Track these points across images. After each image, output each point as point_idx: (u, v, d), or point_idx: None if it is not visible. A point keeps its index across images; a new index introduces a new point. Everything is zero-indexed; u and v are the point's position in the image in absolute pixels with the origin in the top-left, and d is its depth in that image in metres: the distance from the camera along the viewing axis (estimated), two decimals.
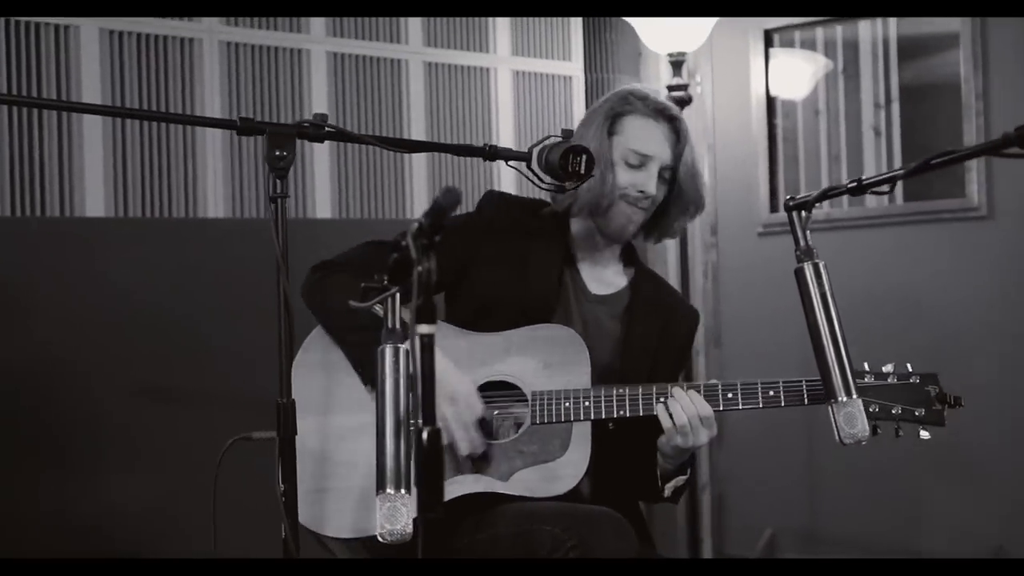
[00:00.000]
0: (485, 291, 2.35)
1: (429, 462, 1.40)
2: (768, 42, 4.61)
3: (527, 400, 2.22)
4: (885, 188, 1.71)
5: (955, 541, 4.12)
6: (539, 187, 2.19)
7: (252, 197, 3.65)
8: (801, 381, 2.15)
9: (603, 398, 2.19)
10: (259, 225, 3.62)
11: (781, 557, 4.49)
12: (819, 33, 4.59)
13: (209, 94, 3.56)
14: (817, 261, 1.83)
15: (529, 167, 2.15)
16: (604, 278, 2.45)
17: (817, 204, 1.86)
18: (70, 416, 3.19)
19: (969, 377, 3.99)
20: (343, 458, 2.21)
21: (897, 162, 4.44)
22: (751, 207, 4.60)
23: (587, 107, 4.45)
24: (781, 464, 4.45)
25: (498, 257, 2.36)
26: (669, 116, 2.41)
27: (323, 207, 3.78)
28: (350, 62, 3.85)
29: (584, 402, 2.19)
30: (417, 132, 3.93)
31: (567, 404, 2.19)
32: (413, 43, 3.97)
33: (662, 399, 2.18)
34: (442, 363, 2.18)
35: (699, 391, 2.18)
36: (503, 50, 4.20)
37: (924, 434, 2.07)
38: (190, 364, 3.37)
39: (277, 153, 1.92)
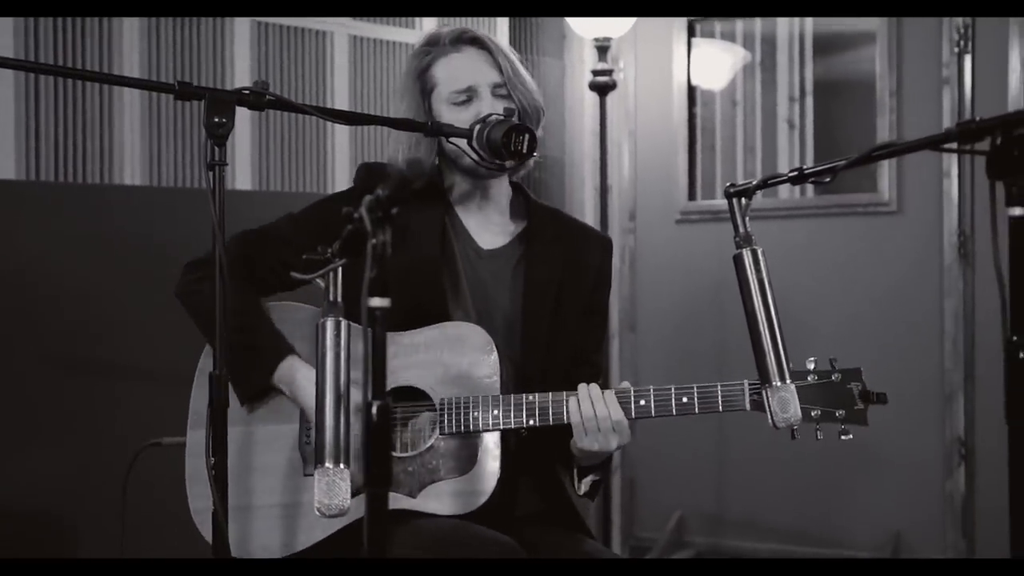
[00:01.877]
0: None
1: (377, 436, 1.39)
2: (691, 32, 4.66)
3: (435, 408, 2.11)
4: (826, 178, 1.73)
5: (856, 528, 4.24)
6: (480, 165, 2.16)
7: (169, 165, 3.57)
8: (716, 386, 2.04)
9: (512, 406, 2.07)
10: (176, 194, 3.56)
11: (688, 540, 4.56)
12: (739, 25, 4.66)
13: (128, 60, 3.47)
14: (756, 247, 1.85)
15: (470, 144, 2.13)
16: (494, 229, 2.31)
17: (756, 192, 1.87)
18: None
19: (872, 367, 4.09)
20: (257, 472, 2.14)
21: (810, 155, 4.53)
22: (670, 194, 4.65)
23: None
24: (691, 448, 4.52)
25: None
26: (470, 38, 2.27)
27: (243, 179, 3.71)
28: (274, 32, 3.79)
29: (493, 411, 2.07)
30: (341, 105, 3.89)
31: (475, 414, 2.07)
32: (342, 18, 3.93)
33: (572, 404, 2.06)
34: (299, 374, 2.11)
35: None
36: (429, 26, 4.16)
37: (846, 436, 2.00)
38: (103, 335, 3.29)
39: (216, 120, 1.88)
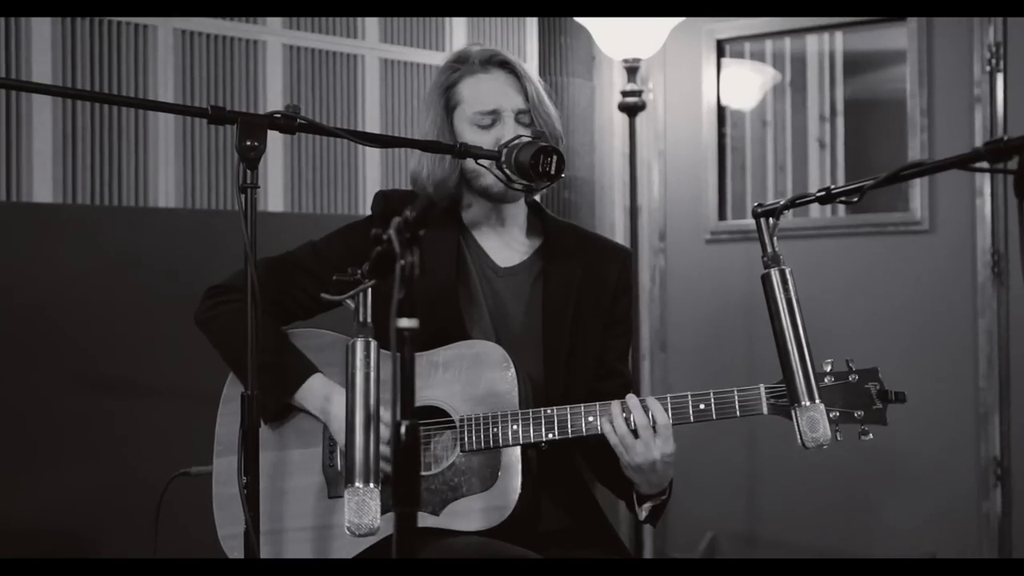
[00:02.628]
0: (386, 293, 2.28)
1: (406, 456, 1.40)
2: (720, 52, 4.66)
3: (456, 426, 2.13)
4: (854, 198, 1.73)
5: (890, 548, 4.20)
6: (509, 187, 2.17)
7: (203, 187, 3.62)
8: (733, 391, 2.05)
9: (531, 420, 2.08)
10: (210, 216, 3.60)
11: (721, 559, 4.54)
12: (768, 45, 4.66)
13: (163, 82, 3.53)
14: (784, 267, 1.85)
15: (499, 166, 2.14)
16: (513, 247, 2.33)
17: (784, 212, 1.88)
18: (11, 406, 3.13)
19: (906, 387, 4.07)
20: (285, 497, 2.17)
21: (840, 174, 4.52)
22: (700, 214, 4.65)
23: None
24: (722, 467, 4.50)
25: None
26: (500, 62, 2.28)
27: (275, 201, 3.75)
28: (306, 56, 3.83)
29: (512, 426, 2.08)
30: (372, 127, 3.93)
31: (495, 430, 2.08)
32: (370, 39, 3.96)
33: (591, 417, 2.08)
34: (340, 397, 2.10)
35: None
36: (458, 44, 4.19)
37: (865, 436, 2.00)
38: (136, 355, 3.33)
39: (248, 143, 1.91)
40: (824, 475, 4.30)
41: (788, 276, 1.84)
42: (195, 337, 2.27)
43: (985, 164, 1.54)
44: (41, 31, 3.30)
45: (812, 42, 4.57)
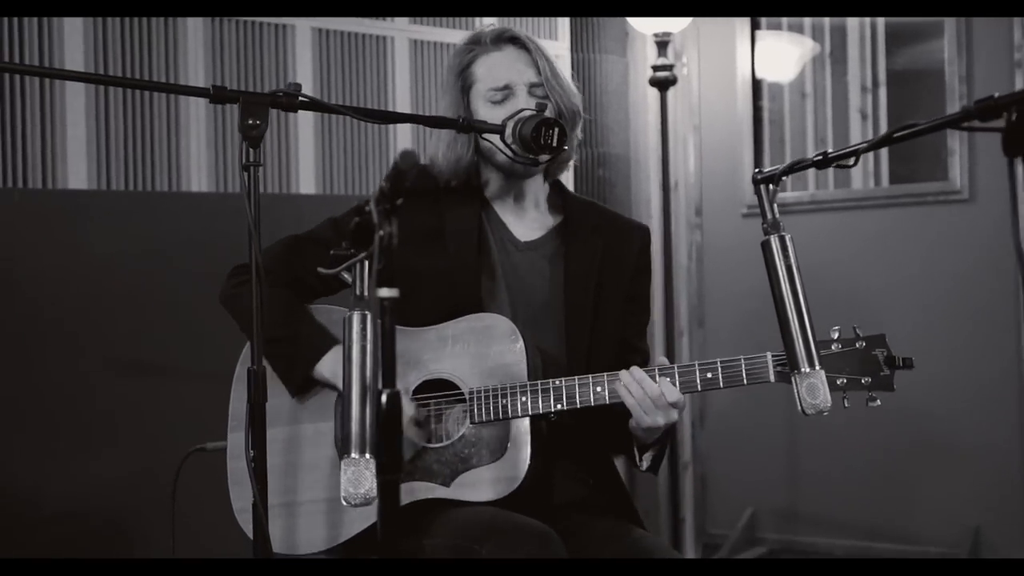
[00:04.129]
0: (407, 272, 2.25)
1: (388, 424, 1.42)
2: (755, 25, 4.61)
3: (465, 398, 2.15)
4: (850, 161, 1.72)
5: (933, 523, 4.15)
6: (513, 160, 2.18)
7: (235, 171, 3.66)
8: (740, 359, 2.06)
9: (539, 391, 2.10)
10: (242, 199, 3.62)
11: (760, 536, 4.52)
12: (807, 17, 4.60)
13: (193, 70, 3.57)
14: (784, 234, 1.83)
15: (503, 140, 2.15)
16: (533, 222, 2.34)
17: (785, 179, 1.86)
18: (51, 389, 3.19)
19: (947, 358, 4.03)
20: (303, 469, 2.19)
21: (884, 148, 4.45)
22: (736, 188, 4.61)
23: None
24: (763, 444, 4.47)
25: (413, 234, 2.20)
26: (510, 38, 2.29)
27: (307, 183, 3.78)
28: (335, 38, 3.85)
29: (521, 397, 2.09)
30: (402, 109, 3.93)
31: (504, 401, 2.10)
32: (399, 20, 3.97)
33: (599, 387, 2.09)
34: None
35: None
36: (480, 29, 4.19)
37: (873, 403, 1.98)
38: (171, 338, 3.38)
39: (250, 122, 1.93)
40: (865, 450, 4.25)
41: (788, 243, 1.82)
42: (229, 318, 2.30)
43: (976, 123, 1.51)
44: (73, 23, 3.36)
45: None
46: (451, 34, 4.08)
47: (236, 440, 2.22)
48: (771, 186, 1.83)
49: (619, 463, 2.41)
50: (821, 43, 4.57)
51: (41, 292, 3.21)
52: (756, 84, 4.64)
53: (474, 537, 2.00)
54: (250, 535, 2.13)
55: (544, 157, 2.15)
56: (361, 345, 1.75)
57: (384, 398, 1.41)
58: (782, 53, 4.68)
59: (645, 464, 2.24)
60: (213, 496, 2.29)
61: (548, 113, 2.18)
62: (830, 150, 1.76)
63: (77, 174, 3.38)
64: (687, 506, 4.64)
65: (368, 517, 2.14)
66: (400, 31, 3.97)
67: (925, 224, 4.23)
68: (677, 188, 4.66)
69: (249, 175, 1.94)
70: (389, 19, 3.95)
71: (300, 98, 1.97)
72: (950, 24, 4.13)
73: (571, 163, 2.39)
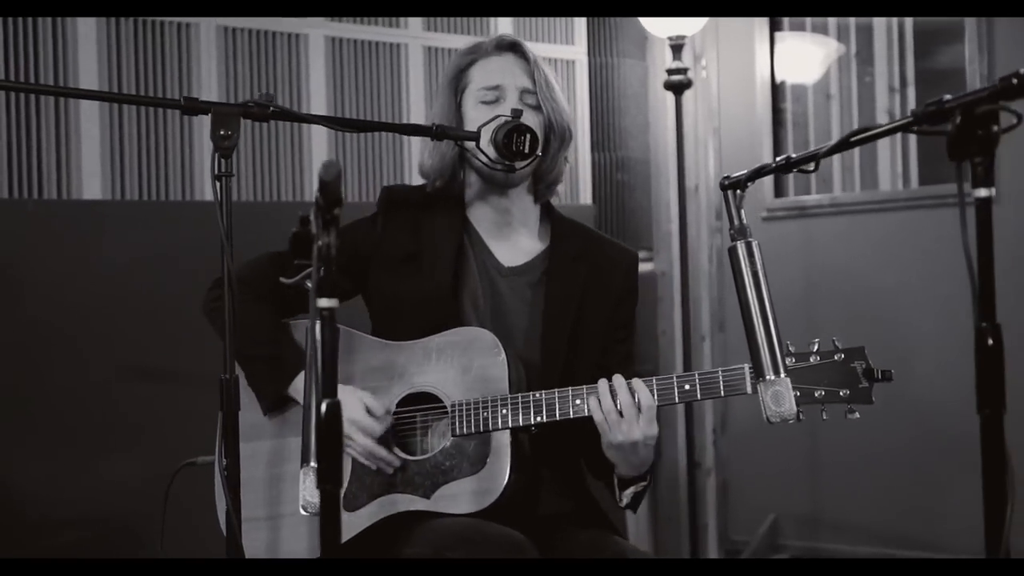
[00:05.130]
0: (386, 291, 2.28)
1: (327, 435, 1.42)
2: (774, 26, 4.57)
3: (448, 411, 2.16)
4: (810, 166, 1.70)
5: (958, 530, 4.08)
6: (488, 167, 2.17)
7: (247, 181, 3.69)
8: (718, 372, 2.05)
9: (520, 404, 2.09)
10: (253, 209, 3.67)
11: (782, 543, 4.47)
12: (831, 17, 4.55)
13: (206, 75, 3.61)
14: (750, 240, 1.82)
15: (478, 147, 2.15)
16: (519, 247, 2.32)
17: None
18: (64, 396, 3.24)
19: (969, 366, 3.94)
20: (286, 482, 2.20)
21: (913, 148, 4.39)
22: (755, 191, 4.55)
23: (591, 91, 4.45)
24: (785, 449, 4.42)
25: (394, 253, 2.28)
26: (509, 44, 2.29)
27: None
28: (348, 47, 3.87)
29: (501, 410, 2.09)
30: (417, 117, 3.95)
31: (485, 414, 2.10)
32: (413, 27, 3.98)
33: (579, 400, 2.08)
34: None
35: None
36: (504, 30, 4.20)
37: (852, 415, 1.97)
38: (183, 346, 3.41)
39: (222, 132, 1.95)
40: (889, 457, 4.19)
41: (755, 248, 1.81)
42: None
43: (925, 127, 1.49)
44: (87, 31, 3.41)
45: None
46: (464, 40, 4.07)
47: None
48: (738, 192, 1.81)
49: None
50: (847, 43, 4.52)
51: (54, 300, 3.26)
52: (776, 86, 4.59)
53: (446, 545, 2.00)
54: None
55: (519, 164, 2.15)
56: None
57: (324, 408, 1.42)
58: (805, 54, 4.63)
59: (625, 500, 2.22)
60: (206, 508, 2.31)
61: (528, 122, 2.18)
62: (792, 155, 1.74)
63: (91, 185, 3.43)
64: (709, 512, 4.61)
65: (348, 530, 2.16)
66: (414, 38, 3.98)
67: (950, 227, 4.15)
68: (697, 191, 4.63)
69: (221, 185, 1.96)
70: (403, 26, 3.96)
71: (271, 108, 1.99)
72: (971, 24, 4.07)
73: (559, 186, 2.36)
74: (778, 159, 1.75)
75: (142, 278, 3.38)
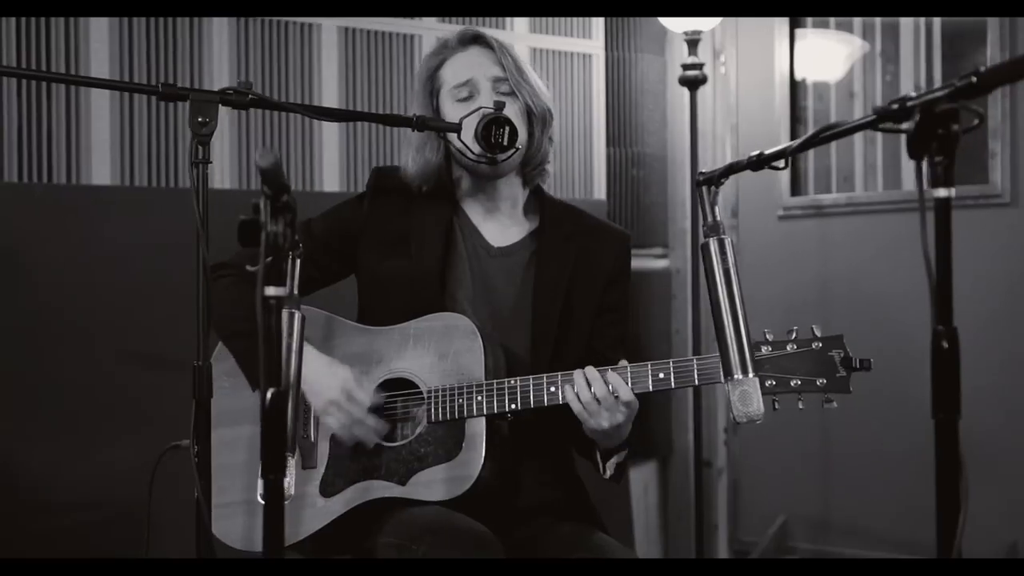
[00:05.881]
0: (374, 272, 2.29)
1: (271, 423, 1.42)
2: (795, 23, 4.52)
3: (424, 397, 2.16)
4: (780, 163, 1.67)
5: (970, 535, 4.01)
6: (469, 159, 2.16)
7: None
8: (692, 360, 2.03)
9: (495, 391, 2.09)
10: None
11: (792, 545, 4.42)
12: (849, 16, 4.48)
13: (218, 67, 3.62)
14: (723, 236, 1.79)
15: (460, 139, 2.14)
16: (508, 228, 2.32)
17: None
18: (70, 380, 3.26)
19: (982, 368, 3.90)
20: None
21: None
22: (772, 190, 4.52)
23: (607, 86, 4.42)
24: (796, 450, 4.38)
25: (381, 235, 2.28)
26: (472, 37, 2.29)
27: (331, 181, 3.80)
28: (362, 37, 3.87)
29: (476, 396, 2.09)
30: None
31: (460, 401, 2.10)
32: (427, 19, 3.97)
33: (552, 387, 2.07)
34: (315, 364, 2.13)
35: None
36: (520, 27, 4.18)
37: (829, 404, 1.95)
38: (190, 332, 3.41)
39: (200, 119, 1.95)
40: (901, 461, 4.14)
41: (727, 245, 1.77)
42: None
43: (891, 125, 1.46)
44: (99, 21, 3.43)
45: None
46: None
47: (216, 436, 2.25)
48: (712, 188, 1.79)
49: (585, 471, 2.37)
50: (872, 42, 4.45)
51: (61, 284, 3.29)
52: (797, 83, 4.54)
53: (412, 536, 2.00)
54: (216, 532, 2.16)
55: (501, 156, 2.14)
56: (288, 343, 1.76)
57: (268, 397, 1.41)
58: (828, 52, 4.57)
59: (609, 472, 2.21)
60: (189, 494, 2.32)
61: (507, 109, 2.17)
62: (765, 151, 1.71)
63: (101, 170, 3.46)
64: (720, 512, 4.57)
65: (324, 516, 2.16)
66: (428, 29, 3.97)
67: (963, 229, 4.07)
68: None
69: (198, 172, 1.96)
70: (416, 18, 3.95)
71: (250, 96, 1.99)
72: (993, 25, 4.00)
73: (548, 167, 2.35)
74: (750, 155, 1.72)
75: (149, 264, 3.39)
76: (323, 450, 2.19)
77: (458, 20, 4.02)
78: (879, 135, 4.43)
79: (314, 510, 2.16)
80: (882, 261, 4.23)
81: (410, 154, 2.28)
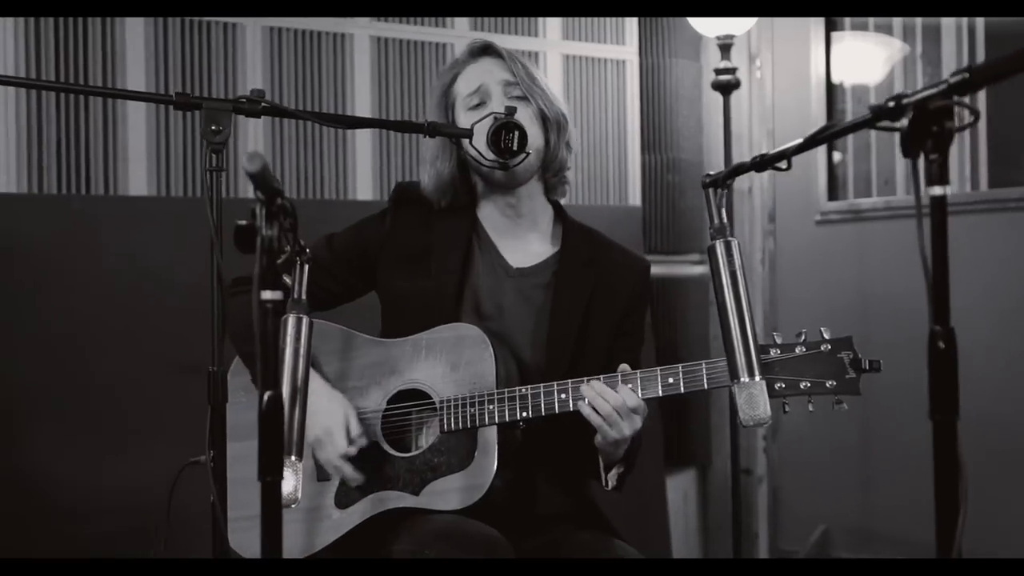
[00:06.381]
0: (393, 288, 2.30)
1: (267, 426, 1.43)
2: (830, 26, 4.48)
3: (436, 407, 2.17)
4: (782, 164, 1.66)
5: (1015, 542, 3.94)
6: (482, 164, 2.17)
7: (292, 177, 3.74)
8: (701, 364, 2.03)
9: (507, 400, 2.10)
10: (301, 206, 3.70)
11: (833, 555, 4.37)
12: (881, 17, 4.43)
13: (252, 75, 3.66)
14: (729, 239, 1.77)
15: (473, 145, 2.14)
16: (529, 249, 2.32)
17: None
18: (107, 389, 3.31)
19: None
20: None
21: (983, 150, 4.26)
22: (809, 194, 4.48)
23: (642, 92, 4.41)
24: (837, 458, 4.33)
25: (402, 250, 2.30)
26: (481, 48, 2.31)
27: (364, 189, 3.83)
28: (394, 46, 3.89)
29: (488, 406, 2.10)
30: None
31: (472, 410, 2.11)
32: (459, 27, 3.99)
33: (563, 395, 2.08)
34: (316, 393, 2.14)
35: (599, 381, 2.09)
36: (553, 34, 4.19)
37: (839, 406, 1.94)
38: (228, 343, 3.46)
39: (213, 128, 1.97)
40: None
41: (733, 247, 1.76)
42: None
43: (889, 123, 1.45)
44: (134, 31, 3.49)
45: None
46: (512, 40, 4.08)
47: (233, 450, 2.27)
48: (717, 190, 1.78)
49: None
50: (912, 44, 4.40)
51: (105, 292, 3.34)
52: (834, 87, 4.49)
53: (424, 542, 2.01)
54: (233, 544, 2.18)
55: (513, 161, 2.14)
56: (294, 348, 1.77)
57: (264, 400, 1.43)
58: (866, 54, 4.53)
59: (611, 483, 2.21)
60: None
61: (520, 114, 2.17)
62: (767, 152, 1.70)
63: (137, 181, 3.51)
64: (760, 521, 4.53)
65: (339, 528, 2.17)
66: (460, 37, 3.98)
67: (1010, 230, 4.01)
68: (751, 193, 4.56)
69: (212, 180, 1.98)
70: (449, 26, 3.97)
71: (262, 104, 2.01)
72: None
73: (568, 175, 2.35)
74: (753, 157, 1.71)
75: (183, 272, 3.42)
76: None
77: (490, 21, 4.03)
78: None
79: (330, 522, 2.18)
80: (908, 266, 4.16)
81: (425, 170, 2.30)
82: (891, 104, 1.41)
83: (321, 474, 2.21)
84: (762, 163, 1.68)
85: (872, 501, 4.29)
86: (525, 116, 2.20)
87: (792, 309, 4.55)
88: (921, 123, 1.34)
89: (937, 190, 1.35)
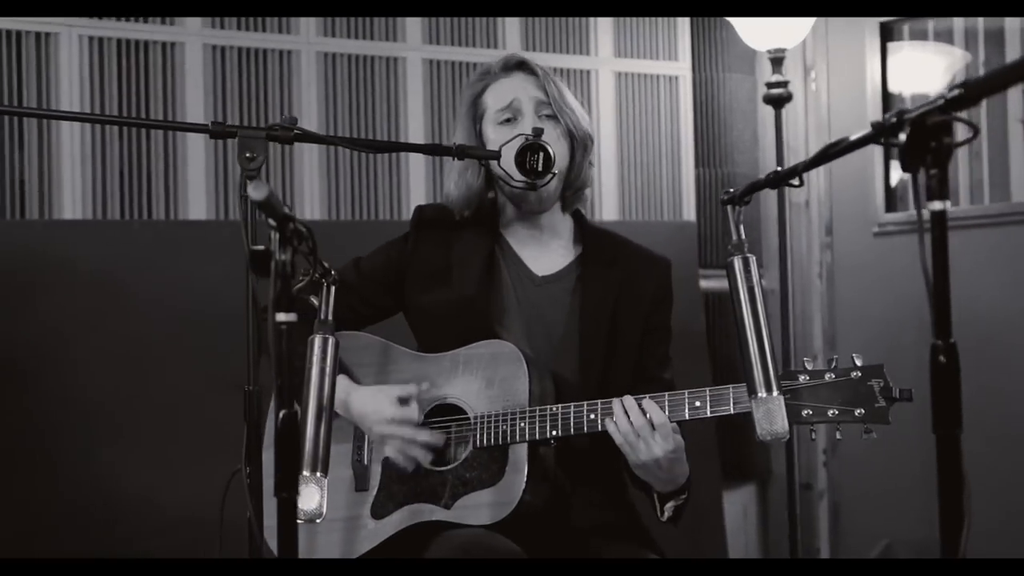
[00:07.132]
0: (419, 305, 2.34)
1: (283, 443, 1.48)
2: (886, 36, 4.44)
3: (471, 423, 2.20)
4: (795, 180, 1.67)
5: None
6: (512, 185, 2.20)
7: (347, 200, 3.81)
8: (728, 388, 2.02)
9: (538, 418, 2.12)
10: (353, 227, 3.78)
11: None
12: (957, 23, 4.38)
13: (307, 97, 3.75)
14: (747, 255, 1.78)
15: (501, 166, 2.18)
16: (551, 257, 2.35)
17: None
18: (172, 405, 3.43)
19: None
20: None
21: None
22: (866, 206, 4.44)
23: (695, 107, 4.41)
24: (898, 472, 4.27)
25: (425, 269, 2.33)
26: (516, 63, 2.33)
27: (384, 210, 3.86)
28: (446, 68, 3.95)
29: (520, 423, 2.12)
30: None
31: (504, 427, 2.14)
32: (511, 46, 4.03)
33: (592, 415, 2.10)
34: (362, 395, 2.20)
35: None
36: (605, 51, 4.22)
37: (868, 435, 1.93)
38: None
39: (248, 155, 2.03)
40: (1011, 480, 4.00)
41: (751, 263, 1.77)
42: None
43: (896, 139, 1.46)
44: (193, 59, 3.60)
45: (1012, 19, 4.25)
46: (564, 59, 4.11)
47: (269, 459, 2.33)
48: (735, 207, 1.79)
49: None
50: (974, 51, 4.34)
51: (165, 315, 3.45)
52: (892, 96, 4.45)
53: (447, 556, 2.04)
54: (275, 552, 2.23)
55: (539, 182, 2.17)
56: (320, 367, 1.82)
57: (280, 418, 1.47)
58: (925, 64, 4.48)
59: (667, 515, 2.21)
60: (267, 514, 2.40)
61: (548, 133, 2.20)
62: (780, 168, 1.71)
63: (197, 206, 3.62)
64: (821, 536, 4.48)
65: (374, 537, 2.22)
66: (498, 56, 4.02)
67: None
68: (808, 207, 4.53)
69: (247, 205, 2.04)
70: (499, 47, 4.01)
71: (295, 131, 2.07)
72: None
73: (587, 192, 2.39)
74: (767, 174, 1.72)
75: (241, 290, 3.52)
76: (375, 473, 2.25)
77: (540, 40, 4.07)
78: (984, 146, 4.31)
79: (366, 531, 2.22)
80: (984, 276, 4.11)
81: (452, 178, 2.34)
82: (893, 119, 1.41)
83: (359, 484, 2.25)
84: (776, 179, 1.69)
85: (935, 514, 4.21)
86: (553, 135, 2.23)
87: (851, 323, 4.50)
88: (919, 138, 1.35)
89: (937, 205, 1.35)
